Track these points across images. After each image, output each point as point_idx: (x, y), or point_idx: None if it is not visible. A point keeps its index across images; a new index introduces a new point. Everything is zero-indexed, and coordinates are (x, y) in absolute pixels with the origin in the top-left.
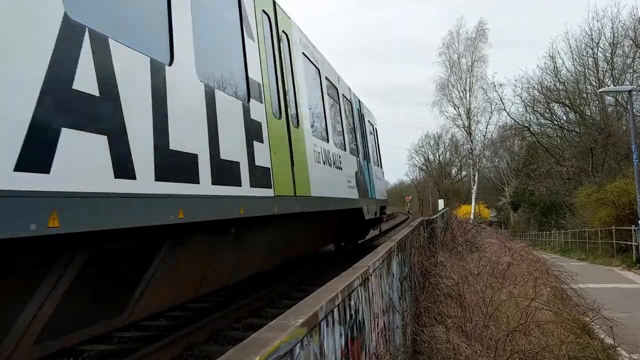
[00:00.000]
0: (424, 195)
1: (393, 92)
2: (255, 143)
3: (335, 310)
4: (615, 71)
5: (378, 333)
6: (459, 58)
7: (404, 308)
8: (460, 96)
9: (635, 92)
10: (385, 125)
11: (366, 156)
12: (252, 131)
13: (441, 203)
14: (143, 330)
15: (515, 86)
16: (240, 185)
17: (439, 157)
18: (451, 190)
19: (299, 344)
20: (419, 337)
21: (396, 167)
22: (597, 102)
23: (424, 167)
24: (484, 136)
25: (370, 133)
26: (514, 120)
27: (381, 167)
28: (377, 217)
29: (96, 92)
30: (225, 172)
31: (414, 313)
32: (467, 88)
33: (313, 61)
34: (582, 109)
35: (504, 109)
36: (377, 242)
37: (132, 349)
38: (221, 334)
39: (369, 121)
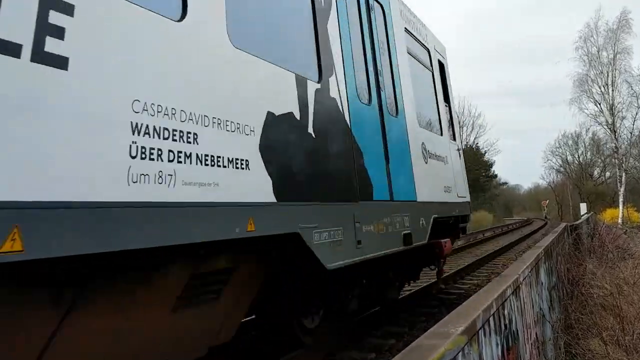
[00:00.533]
0: (562, 199)
1: (520, 94)
2: None
3: (491, 319)
4: None
5: (531, 344)
6: (598, 51)
7: (554, 319)
8: (601, 92)
9: None
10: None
11: (382, 100)
12: None
13: (583, 207)
14: None
15: None
16: None
17: (579, 157)
18: (594, 192)
19: (460, 353)
20: (573, 350)
21: (531, 169)
22: None
23: (562, 169)
24: (631, 133)
25: (420, 62)
26: None
27: (453, 138)
28: (423, 246)
29: None
30: None
31: (563, 324)
32: (609, 82)
33: None
34: None
35: None
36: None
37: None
38: (362, 341)
39: (411, 34)
